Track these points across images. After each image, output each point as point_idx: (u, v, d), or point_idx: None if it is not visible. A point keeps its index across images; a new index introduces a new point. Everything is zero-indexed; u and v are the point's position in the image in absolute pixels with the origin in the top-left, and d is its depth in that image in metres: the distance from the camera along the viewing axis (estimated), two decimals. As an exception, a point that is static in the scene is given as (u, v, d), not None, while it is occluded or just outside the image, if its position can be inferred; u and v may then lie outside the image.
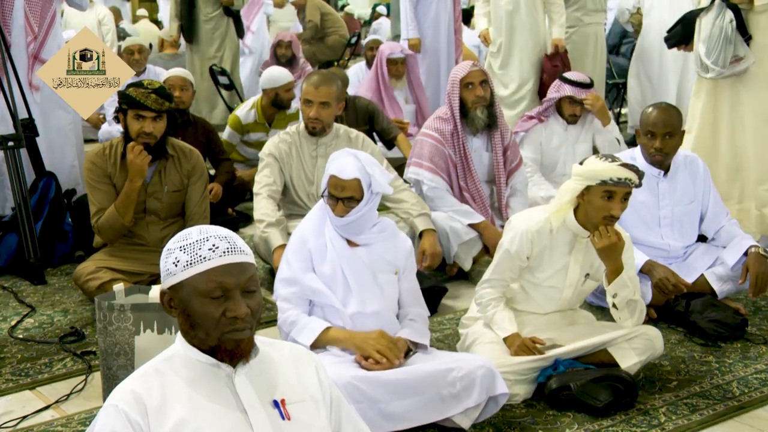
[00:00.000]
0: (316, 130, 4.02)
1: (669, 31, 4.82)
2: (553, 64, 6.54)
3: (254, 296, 1.83)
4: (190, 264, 1.79)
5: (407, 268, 3.00)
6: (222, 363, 1.84)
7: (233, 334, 1.80)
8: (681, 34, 4.66)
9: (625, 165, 2.94)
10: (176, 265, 1.81)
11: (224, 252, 1.80)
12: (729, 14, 4.24)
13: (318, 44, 11.02)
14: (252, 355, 1.86)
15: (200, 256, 1.79)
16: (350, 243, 2.92)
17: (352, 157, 2.87)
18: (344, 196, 2.84)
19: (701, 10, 4.43)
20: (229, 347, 1.82)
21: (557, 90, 5.03)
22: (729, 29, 4.24)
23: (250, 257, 1.85)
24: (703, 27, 4.38)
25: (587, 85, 4.99)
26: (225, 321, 1.79)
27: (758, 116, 4.35)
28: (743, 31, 4.24)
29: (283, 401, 1.87)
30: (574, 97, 4.95)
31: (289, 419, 1.86)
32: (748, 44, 4.25)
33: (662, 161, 3.71)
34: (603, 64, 7.34)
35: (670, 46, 4.90)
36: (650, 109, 3.73)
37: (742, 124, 4.41)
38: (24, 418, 2.96)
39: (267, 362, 1.91)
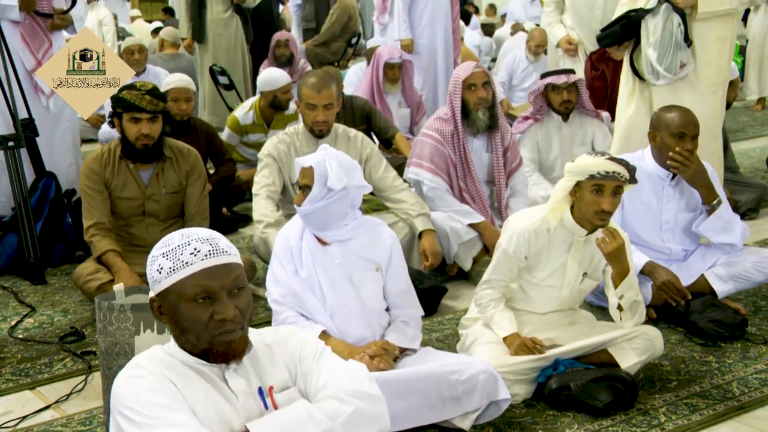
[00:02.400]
0: (323, 133, 4.02)
1: (604, 30, 4.57)
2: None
3: (242, 296, 1.83)
4: (173, 270, 1.79)
5: (393, 267, 2.98)
6: (215, 364, 1.84)
7: (223, 336, 1.80)
8: (619, 35, 4.41)
9: (614, 159, 2.95)
10: (160, 272, 1.80)
11: (206, 255, 1.79)
12: (677, 18, 4.16)
13: (323, 47, 11.01)
14: (246, 352, 1.86)
15: (182, 261, 1.79)
16: (322, 242, 2.92)
17: (322, 151, 2.89)
18: (302, 184, 2.87)
19: (646, 11, 4.26)
20: (220, 349, 1.82)
21: (538, 86, 5.05)
22: (678, 34, 4.16)
23: (233, 257, 1.84)
24: (652, 31, 4.23)
25: (567, 71, 4.99)
26: (214, 324, 1.79)
27: None
28: (685, 36, 4.18)
29: (270, 389, 1.88)
30: (555, 83, 4.94)
31: (276, 407, 1.87)
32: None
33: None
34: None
35: (603, 46, 4.66)
36: (672, 113, 3.65)
37: None
38: (24, 418, 2.96)
39: (258, 354, 1.91)
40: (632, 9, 4.34)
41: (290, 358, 1.95)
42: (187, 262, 1.79)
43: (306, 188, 2.86)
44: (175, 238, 1.83)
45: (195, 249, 1.79)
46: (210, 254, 1.80)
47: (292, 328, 2.06)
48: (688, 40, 4.19)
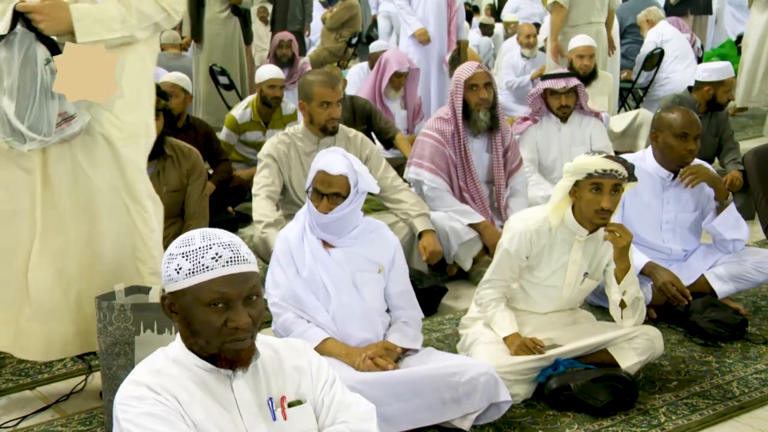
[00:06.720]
0: (336, 129, 4.03)
1: None
2: None
3: (256, 304, 1.82)
4: (193, 272, 1.77)
5: (395, 269, 2.99)
6: (221, 369, 1.84)
7: (234, 343, 1.79)
8: None
9: (611, 157, 2.96)
10: (178, 272, 1.79)
11: (227, 262, 1.78)
12: (42, 52, 2.66)
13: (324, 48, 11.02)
14: (252, 361, 1.86)
15: (203, 265, 1.77)
16: (326, 244, 2.92)
17: (341, 155, 2.89)
18: (330, 192, 2.85)
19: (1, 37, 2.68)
20: (229, 356, 1.82)
21: (538, 88, 5.04)
22: (46, 74, 2.66)
23: (253, 265, 1.83)
24: (7, 71, 2.67)
25: (566, 75, 4.99)
26: (226, 331, 1.78)
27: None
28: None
29: (282, 399, 1.88)
30: (554, 88, 4.93)
31: (285, 419, 1.87)
32: None
33: (689, 163, 3.69)
34: (613, 64, 7.27)
35: None
36: (675, 113, 3.67)
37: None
38: (24, 418, 2.96)
39: (266, 363, 1.91)
40: None
41: (306, 366, 1.95)
42: (207, 267, 1.77)
43: (336, 196, 2.84)
44: (196, 238, 1.81)
45: (216, 254, 1.77)
46: (231, 261, 1.78)
47: (305, 343, 2.06)
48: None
